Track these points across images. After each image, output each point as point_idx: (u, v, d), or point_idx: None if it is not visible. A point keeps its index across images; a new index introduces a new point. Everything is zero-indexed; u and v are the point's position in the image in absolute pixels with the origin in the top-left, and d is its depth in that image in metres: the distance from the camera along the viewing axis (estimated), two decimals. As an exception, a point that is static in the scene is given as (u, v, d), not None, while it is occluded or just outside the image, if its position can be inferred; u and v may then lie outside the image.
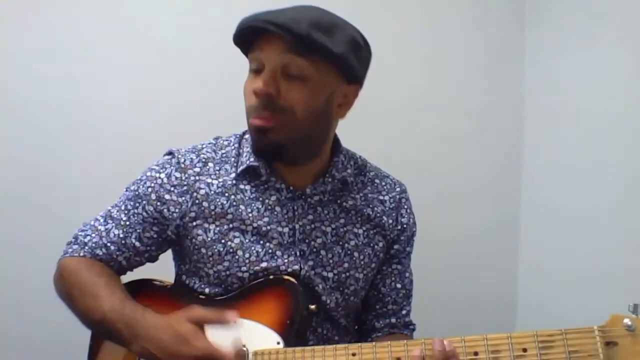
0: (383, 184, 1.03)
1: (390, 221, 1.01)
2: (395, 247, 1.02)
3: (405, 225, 1.02)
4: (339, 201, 0.97)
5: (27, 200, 1.43)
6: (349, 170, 0.98)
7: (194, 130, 1.41)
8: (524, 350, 0.71)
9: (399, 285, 1.03)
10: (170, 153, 0.97)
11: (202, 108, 1.52)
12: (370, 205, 1.00)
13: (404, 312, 1.03)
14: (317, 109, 0.87)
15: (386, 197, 1.02)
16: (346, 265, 0.95)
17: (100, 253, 0.93)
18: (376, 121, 1.60)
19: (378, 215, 1.00)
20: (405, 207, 1.04)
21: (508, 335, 0.72)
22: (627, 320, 0.68)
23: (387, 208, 1.01)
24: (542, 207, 1.67)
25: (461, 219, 1.69)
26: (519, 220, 1.75)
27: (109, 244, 0.94)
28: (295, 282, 0.89)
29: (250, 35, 0.86)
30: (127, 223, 0.94)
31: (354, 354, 0.79)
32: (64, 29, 1.45)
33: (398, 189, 1.04)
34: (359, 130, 1.44)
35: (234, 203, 0.92)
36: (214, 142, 0.99)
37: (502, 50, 1.73)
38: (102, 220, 0.96)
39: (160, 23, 1.51)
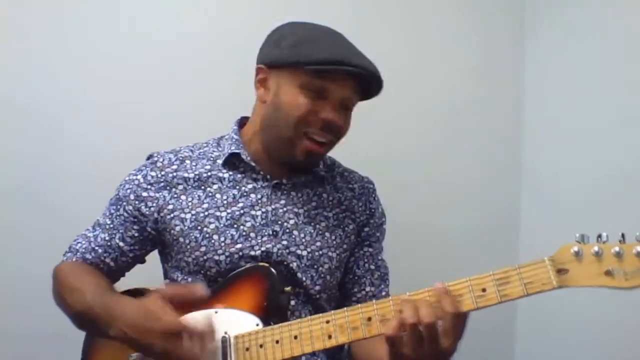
0: (352, 176, 1.11)
1: (360, 204, 1.07)
2: (366, 229, 1.07)
3: (373, 210, 1.08)
4: (309, 186, 1.04)
5: (36, 197, 1.46)
6: (320, 167, 1.05)
7: (197, 127, 1.41)
8: (484, 290, 0.74)
9: (372, 267, 1.06)
10: (149, 157, 1.05)
11: (207, 107, 1.54)
12: (340, 191, 1.06)
13: (383, 294, 1.05)
14: None
15: (355, 186, 1.09)
16: (319, 244, 0.99)
17: (90, 257, 1.01)
18: (377, 117, 1.58)
19: (348, 199, 1.06)
20: (374, 196, 1.10)
21: (467, 279, 0.75)
22: (575, 248, 0.72)
23: (356, 193, 1.08)
24: (543, 199, 1.65)
25: (461, 214, 1.69)
26: (520, 214, 1.73)
27: (96, 247, 1.01)
28: (268, 265, 0.93)
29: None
30: (111, 225, 1.01)
31: (327, 321, 0.81)
32: (73, 30, 1.48)
33: (366, 180, 1.12)
34: (362, 126, 1.53)
35: (210, 193, 0.99)
36: (191, 145, 1.07)
37: (501, 37, 1.73)
38: (91, 228, 1.04)
39: (166, 24, 1.54)
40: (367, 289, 1.05)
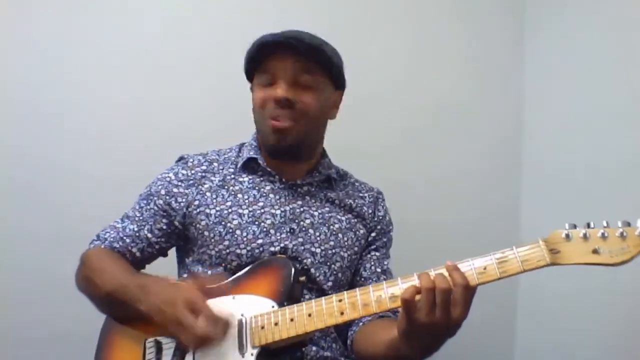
0: (362, 186, 1.21)
1: (370, 211, 1.16)
2: (372, 234, 1.16)
3: (381, 218, 1.18)
4: (324, 192, 1.13)
5: (38, 197, 1.47)
6: (332, 170, 1.16)
7: (201, 127, 1.52)
8: (485, 268, 0.82)
9: (379, 270, 1.13)
10: (180, 158, 1.16)
11: (210, 107, 1.57)
12: (352, 198, 1.16)
13: None
14: (322, 111, 1.09)
15: (365, 194, 1.19)
16: (332, 243, 1.08)
17: (117, 246, 1.08)
18: (378, 116, 1.67)
19: (359, 206, 1.16)
20: (382, 205, 1.20)
21: (469, 259, 0.83)
22: (565, 232, 0.81)
23: (366, 202, 1.17)
24: (543, 198, 1.67)
25: (461, 212, 1.72)
26: (520, 212, 1.75)
27: (124, 237, 1.08)
28: (285, 257, 1.01)
29: (263, 53, 1.04)
30: (141, 218, 1.09)
31: (340, 300, 0.88)
32: (76, 30, 1.52)
33: (375, 190, 1.22)
34: (364, 125, 1.59)
35: (233, 193, 1.09)
36: (217, 150, 1.18)
37: (501, 37, 1.78)
38: (119, 220, 1.12)
39: (168, 23, 1.58)
40: None
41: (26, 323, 1.44)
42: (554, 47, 1.68)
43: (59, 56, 1.50)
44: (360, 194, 1.18)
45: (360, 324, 1.07)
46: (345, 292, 0.88)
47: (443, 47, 1.75)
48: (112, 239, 1.09)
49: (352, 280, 1.13)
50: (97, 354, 1.03)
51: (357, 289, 0.88)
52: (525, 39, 1.78)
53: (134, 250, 1.08)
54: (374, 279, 1.12)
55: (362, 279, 1.12)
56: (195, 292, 0.89)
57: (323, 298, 0.89)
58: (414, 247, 1.58)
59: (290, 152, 1.07)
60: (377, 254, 1.15)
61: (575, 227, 0.81)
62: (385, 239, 1.17)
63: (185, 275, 1.10)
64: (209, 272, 1.05)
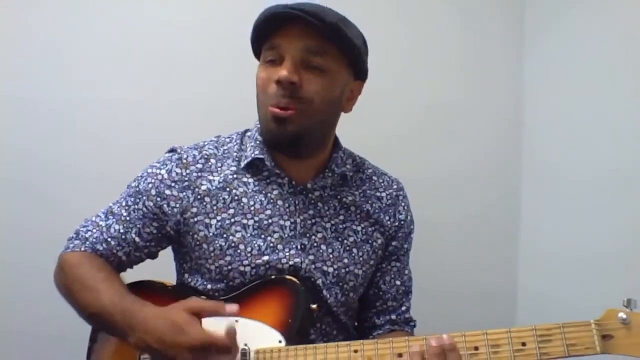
0: (380, 181, 1.06)
1: (388, 218, 1.03)
2: (394, 243, 1.04)
3: (402, 222, 1.05)
4: (338, 197, 1.00)
5: (39, 196, 1.45)
6: (348, 166, 1.01)
7: (203, 124, 1.46)
8: (523, 344, 0.73)
9: (398, 282, 1.04)
10: (172, 150, 1.00)
11: (212, 104, 1.54)
12: (369, 202, 1.02)
13: (403, 308, 1.04)
14: (332, 101, 0.93)
15: (383, 194, 1.05)
16: (345, 260, 0.97)
17: (101, 248, 0.95)
18: (377, 114, 1.61)
19: (376, 212, 1.02)
20: (403, 204, 1.06)
21: (507, 330, 0.74)
22: (621, 314, 0.71)
23: (383, 205, 1.04)
24: (543, 197, 1.66)
25: (461, 211, 1.70)
26: (519, 212, 1.74)
27: (109, 239, 0.95)
28: (297, 281, 0.91)
29: (271, 26, 0.89)
30: (128, 219, 0.96)
31: (355, 351, 0.80)
32: (80, 29, 1.49)
33: (395, 187, 1.07)
34: (364, 123, 1.49)
35: (236, 197, 0.94)
36: (215, 139, 1.02)
37: (501, 37, 1.76)
38: (103, 216, 0.98)
39: (171, 22, 1.55)
40: (389, 303, 1.04)
41: (26, 322, 1.42)
42: (554, 46, 1.63)
43: (58, 56, 1.48)
44: (378, 194, 1.04)
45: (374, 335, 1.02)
46: (361, 341, 0.80)
47: (443, 47, 1.71)
48: (94, 240, 0.95)
49: (366, 290, 1.04)
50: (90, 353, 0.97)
51: (375, 340, 0.80)
52: (525, 38, 1.75)
53: (120, 254, 0.95)
54: (393, 292, 1.04)
55: (380, 292, 1.04)
56: (195, 330, 0.78)
57: (337, 344, 0.81)
58: (414, 245, 1.55)
59: (291, 145, 0.92)
60: (398, 264, 1.05)
61: (632, 304, 0.72)
62: (407, 245, 1.06)
63: (179, 284, 1.00)
64: (208, 286, 0.94)
